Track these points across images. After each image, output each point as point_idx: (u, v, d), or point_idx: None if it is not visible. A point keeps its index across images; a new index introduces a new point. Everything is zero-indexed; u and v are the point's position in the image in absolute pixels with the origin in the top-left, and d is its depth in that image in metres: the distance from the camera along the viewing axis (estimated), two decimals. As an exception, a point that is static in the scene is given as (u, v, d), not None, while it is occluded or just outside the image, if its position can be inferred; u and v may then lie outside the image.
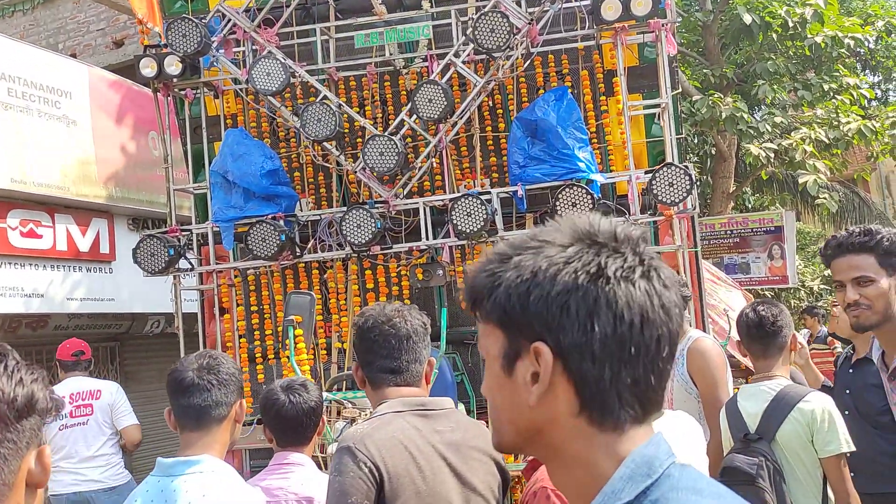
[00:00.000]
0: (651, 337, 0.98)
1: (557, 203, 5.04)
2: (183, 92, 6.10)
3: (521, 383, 1.01)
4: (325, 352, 5.84)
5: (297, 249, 5.56)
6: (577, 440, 1.00)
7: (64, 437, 5.48)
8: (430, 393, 4.37)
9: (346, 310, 5.83)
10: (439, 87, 5.21)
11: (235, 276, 5.98)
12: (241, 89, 5.99)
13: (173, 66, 5.78)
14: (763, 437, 2.73)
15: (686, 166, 5.09)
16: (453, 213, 5.10)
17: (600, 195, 5.32)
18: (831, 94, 11.73)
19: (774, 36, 11.91)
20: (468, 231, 5.11)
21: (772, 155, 11.22)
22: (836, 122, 11.38)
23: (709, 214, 12.90)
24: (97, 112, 8.22)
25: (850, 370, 2.79)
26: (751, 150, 11.25)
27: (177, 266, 5.66)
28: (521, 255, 1.02)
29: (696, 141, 13.59)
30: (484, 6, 5.40)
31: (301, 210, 5.89)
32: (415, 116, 5.38)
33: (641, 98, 5.94)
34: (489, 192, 5.36)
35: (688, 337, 3.55)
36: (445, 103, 5.21)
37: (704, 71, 12.35)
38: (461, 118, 5.60)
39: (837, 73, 11.88)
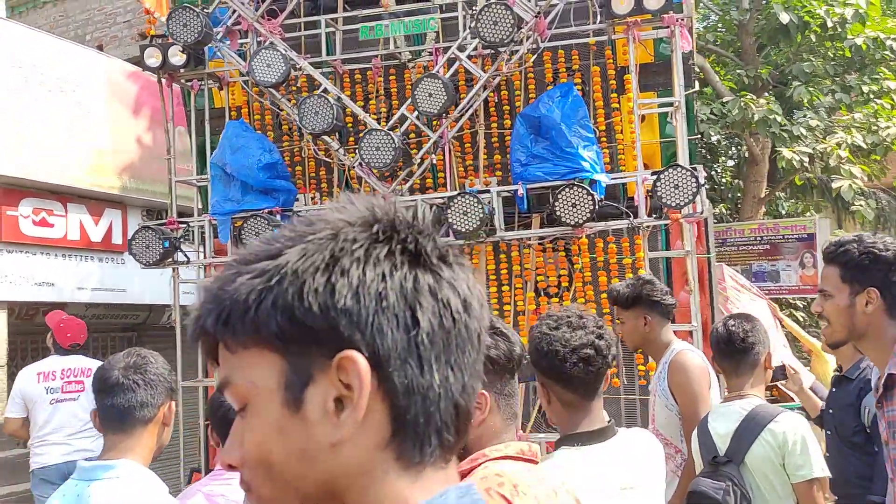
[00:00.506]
0: (474, 331, 0.80)
1: (556, 204, 4.86)
2: (189, 83, 6.05)
3: (316, 418, 0.75)
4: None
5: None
6: (376, 486, 0.76)
7: (56, 411, 5.52)
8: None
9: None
10: (440, 81, 5.06)
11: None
12: (245, 81, 5.90)
13: (177, 57, 5.72)
14: (732, 460, 2.53)
15: (694, 168, 4.86)
16: (449, 211, 4.95)
17: (604, 196, 5.12)
18: (871, 97, 11.30)
19: (813, 37, 11.53)
20: (464, 230, 4.95)
21: (806, 159, 10.83)
22: (875, 127, 10.97)
23: (739, 219, 12.53)
24: (114, 103, 8.23)
25: (833, 388, 2.59)
26: (784, 153, 10.88)
27: (173, 258, 5.60)
28: (301, 245, 0.77)
29: (728, 143, 13.23)
30: (492, -1, 5.24)
31: (302, 204, 5.79)
32: (417, 112, 5.23)
33: (656, 96, 5.71)
34: (489, 191, 5.19)
35: (671, 349, 3.35)
36: (445, 98, 5.06)
37: (738, 71, 12.00)
38: (464, 114, 5.44)
39: (878, 77, 11.45)
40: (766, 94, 11.95)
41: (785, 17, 10.91)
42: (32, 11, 11.30)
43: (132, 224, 8.45)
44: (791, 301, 12.82)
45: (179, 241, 5.56)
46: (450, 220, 4.97)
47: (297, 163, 6.04)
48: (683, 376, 3.15)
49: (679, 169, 4.75)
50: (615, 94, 5.64)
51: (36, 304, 8.00)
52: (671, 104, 5.33)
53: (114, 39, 11.02)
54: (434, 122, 5.47)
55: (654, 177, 4.82)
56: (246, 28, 5.74)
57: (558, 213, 4.86)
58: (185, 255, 5.64)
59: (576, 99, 5.17)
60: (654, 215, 5.14)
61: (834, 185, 10.58)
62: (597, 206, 4.88)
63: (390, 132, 5.12)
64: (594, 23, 5.41)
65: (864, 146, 10.73)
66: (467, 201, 4.94)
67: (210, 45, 5.57)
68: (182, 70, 5.79)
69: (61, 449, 5.47)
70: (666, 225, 5.48)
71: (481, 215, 4.93)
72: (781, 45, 12.17)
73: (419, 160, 5.38)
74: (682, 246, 5.39)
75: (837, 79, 11.48)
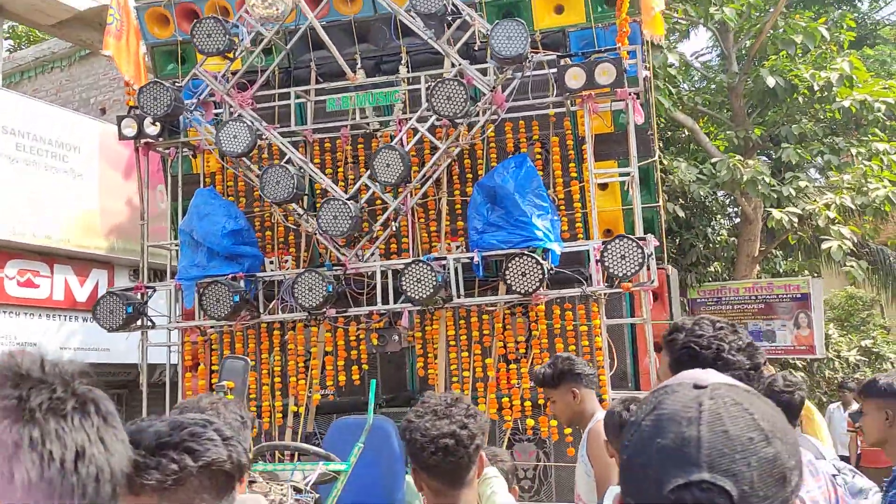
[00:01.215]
0: (89, 475, 0.87)
1: (507, 272, 4.94)
2: (167, 151, 6.25)
3: None
4: (280, 415, 5.79)
5: (254, 310, 5.55)
6: None
7: None
8: (376, 464, 4.27)
9: (304, 373, 5.78)
10: (396, 153, 5.21)
11: (201, 335, 6.01)
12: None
13: (152, 127, 5.92)
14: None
15: (642, 238, 4.93)
16: (403, 279, 5.04)
17: (558, 264, 5.19)
18: (860, 158, 11.35)
19: (801, 99, 11.66)
20: (417, 297, 5.03)
21: (795, 220, 10.85)
22: (864, 188, 10.99)
23: (733, 278, 12.51)
24: (105, 166, 8.47)
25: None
26: (774, 214, 10.91)
27: (140, 323, 5.72)
28: None
29: (721, 203, 13.28)
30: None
31: (269, 270, 5.91)
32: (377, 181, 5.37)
33: (616, 165, 5.83)
34: (445, 258, 5.28)
35: (594, 418, 3.39)
36: (402, 168, 5.20)
37: (728, 132, 12.12)
38: (424, 182, 5.57)
39: (866, 139, 11.51)
40: (757, 154, 12.04)
41: (771, 81, 11.05)
42: (41, 76, 11.71)
43: (119, 283, 8.62)
44: (790, 361, 12.70)
45: (144, 306, 5.67)
46: (404, 288, 5.06)
47: (268, 228, 6.18)
48: (599, 443, 3.17)
49: (625, 239, 4.83)
50: (573, 164, 5.75)
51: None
52: (628, 174, 5.43)
53: (116, 103, 11.36)
54: (399, 189, 5.60)
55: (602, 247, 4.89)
56: (219, 99, 5.95)
57: (508, 282, 4.94)
58: (150, 320, 5.74)
59: (529, 169, 5.28)
60: (607, 283, 5.18)
61: (823, 246, 10.57)
62: (546, 275, 4.95)
63: (347, 202, 5.25)
64: (553, 95, 5.55)
65: (854, 207, 10.74)
66: (420, 269, 5.03)
67: (181, 116, 5.76)
68: (157, 139, 5.99)
69: None
70: (631, 292, 5.53)
71: (434, 283, 5.02)
72: (771, 108, 12.30)
73: (376, 228, 5.48)
74: (641, 314, 5.44)
75: (827, 140, 11.55)
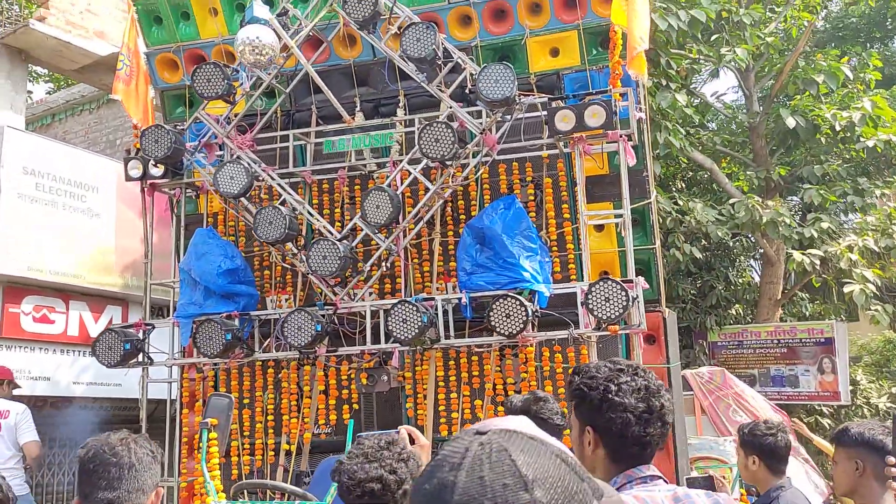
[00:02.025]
0: None
1: (491, 314, 4.94)
2: (172, 191, 6.41)
3: None
4: (272, 452, 5.81)
5: (248, 348, 5.62)
6: None
7: None
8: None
9: (297, 411, 5.81)
10: (386, 194, 5.27)
11: (198, 372, 6.09)
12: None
13: (156, 168, 6.09)
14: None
15: (628, 281, 4.90)
16: (389, 319, 5.07)
17: (545, 306, 5.17)
18: (885, 199, 11.15)
19: (823, 139, 11.52)
20: (403, 338, 5.05)
21: (818, 262, 10.66)
22: (889, 230, 10.77)
23: (755, 321, 12.29)
24: (122, 205, 8.70)
25: None
26: (794, 256, 10.75)
27: (137, 360, 5.82)
28: None
29: (742, 244, 13.11)
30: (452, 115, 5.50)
31: (269, 308, 6.00)
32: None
33: (612, 206, 5.82)
34: (433, 299, 5.30)
35: None
36: (391, 209, 5.26)
37: (748, 173, 12.01)
38: (418, 222, 5.62)
39: (891, 180, 11.32)
40: (780, 195, 11.90)
41: (791, 122, 10.96)
42: (71, 118, 12.11)
43: (133, 320, 8.78)
44: (816, 407, 12.37)
45: (142, 343, 5.77)
46: (390, 328, 5.08)
47: (266, 267, 6.27)
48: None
49: (609, 282, 4.80)
50: (566, 205, 5.76)
51: (43, 397, 8.31)
52: (622, 215, 5.42)
53: (141, 144, 11.67)
54: (392, 229, 5.66)
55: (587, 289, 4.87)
56: (221, 141, 6.10)
57: (493, 324, 4.94)
58: (149, 357, 5.84)
59: (518, 211, 5.30)
60: (596, 326, 5.14)
61: (845, 289, 10.35)
62: (531, 317, 4.93)
63: (337, 242, 5.32)
64: (545, 137, 5.58)
65: (877, 249, 10.52)
66: (406, 309, 5.06)
67: (183, 157, 5.92)
68: (161, 180, 6.15)
69: None
70: (627, 333, 5.49)
71: (420, 324, 5.03)
72: (793, 148, 12.18)
73: (368, 268, 5.54)
74: (633, 358, 5.38)
75: (850, 181, 11.38)
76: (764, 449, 3.78)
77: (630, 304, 4.77)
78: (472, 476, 0.93)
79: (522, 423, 1.15)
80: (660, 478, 2.00)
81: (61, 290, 8.09)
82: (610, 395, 1.91)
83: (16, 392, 7.66)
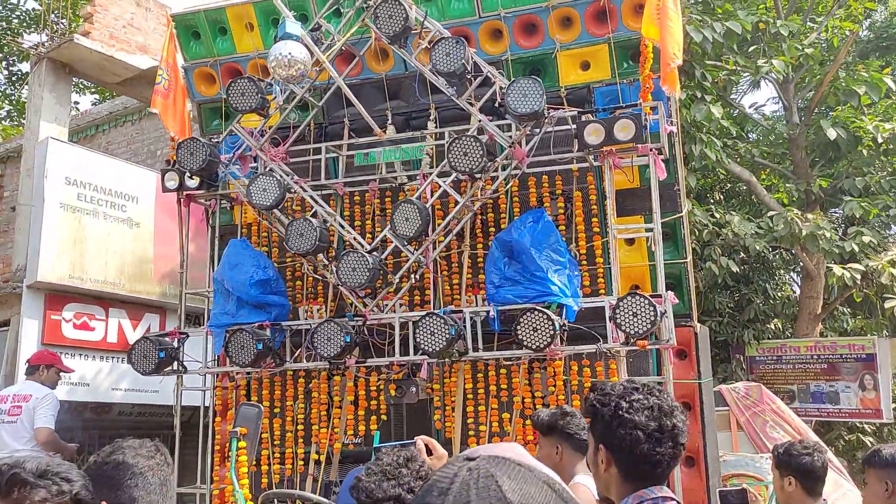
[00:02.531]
0: None
1: (518, 328, 4.94)
2: (208, 202, 6.54)
3: None
4: (302, 462, 5.87)
5: (279, 358, 5.69)
6: None
7: (2, 431, 6.43)
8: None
9: (326, 421, 5.86)
10: (415, 207, 5.31)
11: (231, 380, 6.18)
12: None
13: (192, 180, 6.22)
14: None
15: (657, 296, 4.87)
16: (417, 331, 5.10)
17: (576, 320, 5.15)
18: (928, 213, 10.90)
19: (865, 152, 11.31)
20: (430, 350, 5.08)
21: (858, 277, 10.45)
22: (933, 245, 10.53)
23: (794, 336, 12.07)
24: (161, 215, 8.88)
25: None
26: (834, 270, 10.55)
27: (172, 368, 5.93)
28: None
29: (782, 257, 12.89)
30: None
31: (298, 318, 6.07)
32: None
33: (643, 220, 5.78)
34: (461, 311, 5.32)
35: (573, 481, 3.36)
36: (420, 222, 5.30)
37: (788, 185, 11.83)
38: (445, 236, 5.65)
39: (936, 192, 11.06)
40: (819, 208, 11.69)
41: (832, 133, 10.78)
42: (113, 129, 12.40)
43: (170, 328, 8.94)
44: (858, 425, 12.09)
45: (176, 352, 5.88)
46: (418, 340, 5.11)
47: (297, 278, 6.35)
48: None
49: (637, 297, 4.77)
50: (596, 219, 5.74)
51: (83, 402, 8.50)
52: (652, 229, 5.39)
53: (181, 154, 11.90)
54: (422, 242, 5.70)
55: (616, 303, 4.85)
56: (255, 154, 6.21)
57: (520, 337, 4.94)
58: (183, 365, 5.95)
59: (546, 224, 5.30)
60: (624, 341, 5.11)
61: (886, 305, 10.13)
62: (559, 331, 4.92)
63: (366, 254, 5.37)
64: (575, 150, 5.58)
65: (920, 264, 10.29)
66: (434, 322, 5.08)
67: (217, 170, 6.04)
68: (197, 191, 6.27)
69: None
70: (657, 348, 5.44)
71: (448, 336, 5.05)
72: (834, 160, 11.97)
73: (397, 279, 5.58)
74: (663, 373, 5.34)
75: (893, 194, 11.14)
76: (800, 469, 3.70)
77: (658, 319, 4.74)
78: (458, 501, 0.95)
79: (513, 450, 1.16)
80: (673, 500, 1.99)
81: (101, 298, 8.28)
82: (621, 413, 1.92)
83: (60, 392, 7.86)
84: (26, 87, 20.35)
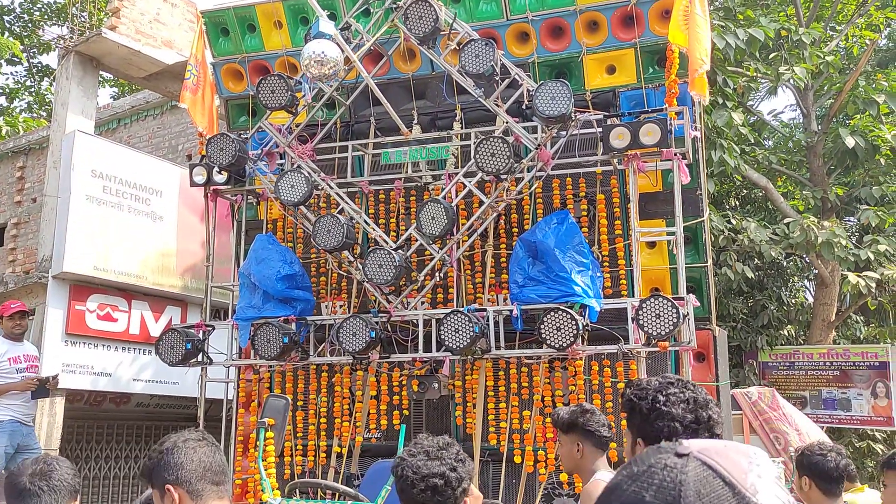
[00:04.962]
0: None
1: (542, 327, 5.02)
2: (234, 197, 6.64)
3: None
4: (324, 455, 5.96)
5: (303, 351, 5.78)
6: None
7: None
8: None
9: (349, 415, 5.95)
10: (441, 206, 5.39)
11: (255, 373, 6.28)
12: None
13: (220, 175, 6.31)
14: None
15: (679, 298, 4.94)
16: (441, 328, 5.18)
17: (595, 320, 5.22)
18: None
19: (883, 160, 11.34)
20: (454, 347, 5.16)
21: (873, 285, 10.48)
22: (949, 254, 10.54)
23: (808, 342, 12.10)
24: (184, 209, 8.99)
25: None
26: (850, 278, 10.58)
27: (197, 359, 6.03)
28: None
29: (797, 264, 12.91)
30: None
31: (324, 314, 6.16)
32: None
33: (664, 224, 5.85)
34: (485, 310, 5.40)
35: (594, 477, 3.43)
36: (446, 221, 5.38)
37: (804, 192, 11.86)
38: (470, 235, 5.73)
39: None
40: (835, 216, 11.72)
41: (850, 141, 10.81)
42: (136, 123, 12.53)
43: (191, 321, 9.05)
44: (869, 432, 12.11)
45: (203, 343, 5.98)
46: (442, 337, 5.19)
47: (322, 273, 6.44)
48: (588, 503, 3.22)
49: (660, 299, 4.84)
50: (618, 221, 5.81)
51: (103, 392, 8.62)
52: (674, 233, 5.45)
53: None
54: (446, 241, 5.77)
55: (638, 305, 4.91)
56: (283, 150, 6.30)
57: (543, 336, 5.01)
58: (208, 357, 6.04)
59: (571, 226, 5.37)
60: (645, 342, 5.18)
61: (900, 314, 10.17)
62: (581, 331, 5.00)
63: (393, 251, 5.45)
64: (600, 153, 5.64)
65: (935, 274, 10.30)
66: (459, 319, 5.16)
67: (246, 165, 6.13)
68: (224, 186, 6.37)
69: (21, 410, 6.77)
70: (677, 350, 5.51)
71: (472, 334, 5.13)
72: (851, 168, 12.00)
73: (422, 277, 5.66)
74: (682, 374, 5.40)
75: (909, 203, 11.18)
76: (814, 469, 3.74)
77: (680, 321, 4.81)
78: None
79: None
80: None
81: (124, 290, 8.39)
82: (658, 405, 1.99)
83: (67, 384, 7.94)
84: (47, 79, 20.54)
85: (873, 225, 10.82)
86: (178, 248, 8.90)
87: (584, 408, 3.68)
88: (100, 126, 12.53)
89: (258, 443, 4.74)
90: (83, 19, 15.20)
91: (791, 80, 10.31)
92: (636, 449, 2.04)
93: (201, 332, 6.11)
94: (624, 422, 2.20)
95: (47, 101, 19.64)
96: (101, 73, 10.20)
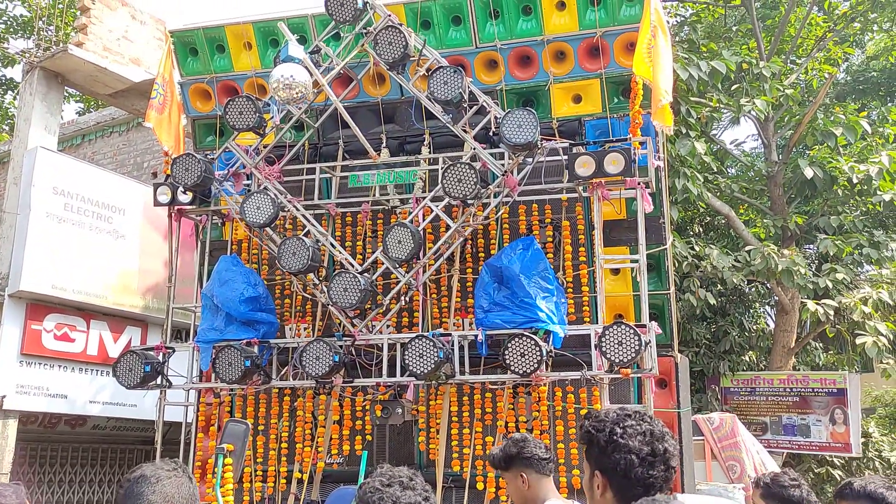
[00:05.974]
0: None
1: (506, 353, 5.03)
2: (199, 217, 6.57)
3: None
4: (284, 480, 5.88)
5: (265, 375, 5.72)
6: None
7: None
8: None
9: (311, 440, 5.88)
10: (408, 230, 5.40)
11: (215, 397, 6.19)
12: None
13: (185, 195, 6.25)
14: None
15: (641, 326, 4.99)
16: (406, 353, 5.17)
17: (562, 347, 5.25)
18: (899, 253, 11.18)
19: (840, 191, 11.60)
20: (418, 372, 5.14)
21: (831, 312, 10.67)
22: (904, 284, 10.78)
23: (769, 368, 12.27)
24: (147, 227, 8.89)
25: None
26: (808, 305, 10.76)
27: (156, 382, 5.93)
28: None
29: (758, 291, 13.12)
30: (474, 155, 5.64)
31: (288, 336, 6.11)
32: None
33: (628, 251, 5.92)
34: (450, 335, 5.40)
35: None
36: (412, 245, 5.38)
37: (765, 221, 12.08)
38: (437, 259, 5.74)
39: (908, 233, 11.36)
40: (794, 244, 11.95)
41: (809, 172, 11.04)
42: (100, 140, 12.39)
43: (152, 341, 8.91)
44: (828, 458, 12.29)
45: (162, 366, 5.89)
46: (406, 362, 5.18)
47: (287, 296, 6.39)
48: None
49: (623, 326, 4.89)
50: (583, 248, 5.86)
51: (58, 415, 8.43)
52: (637, 260, 5.51)
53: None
54: (414, 265, 5.77)
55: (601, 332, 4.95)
56: (249, 171, 6.27)
57: (507, 362, 5.02)
58: (167, 380, 5.95)
59: (536, 252, 5.41)
60: (608, 368, 5.21)
61: (858, 341, 10.35)
62: (545, 357, 5.02)
63: (358, 275, 5.43)
64: (566, 181, 5.70)
65: (892, 303, 10.53)
66: (424, 344, 5.15)
67: (211, 186, 6.08)
68: (189, 206, 6.31)
69: None
70: (639, 377, 5.55)
71: (436, 359, 5.12)
72: (810, 198, 12.25)
73: (388, 301, 5.64)
74: (644, 401, 5.44)
75: (866, 233, 11.42)
76: (783, 499, 3.68)
77: (643, 348, 4.85)
78: None
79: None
80: None
81: (83, 310, 8.24)
82: (615, 437, 2.01)
83: (21, 405, 7.72)
84: (10, 92, 20.23)
85: (831, 254, 11.04)
86: (140, 268, 8.77)
87: (515, 439, 3.63)
88: (64, 142, 12.37)
89: (216, 469, 4.66)
90: (49, 34, 15.03)
91: (752, 112, 10.54)
92: (594, 480, 2.05)
93: (161, 354, 6.03)
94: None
95: (10, 114, 19.32)
96: (66, 88, 10.09)
